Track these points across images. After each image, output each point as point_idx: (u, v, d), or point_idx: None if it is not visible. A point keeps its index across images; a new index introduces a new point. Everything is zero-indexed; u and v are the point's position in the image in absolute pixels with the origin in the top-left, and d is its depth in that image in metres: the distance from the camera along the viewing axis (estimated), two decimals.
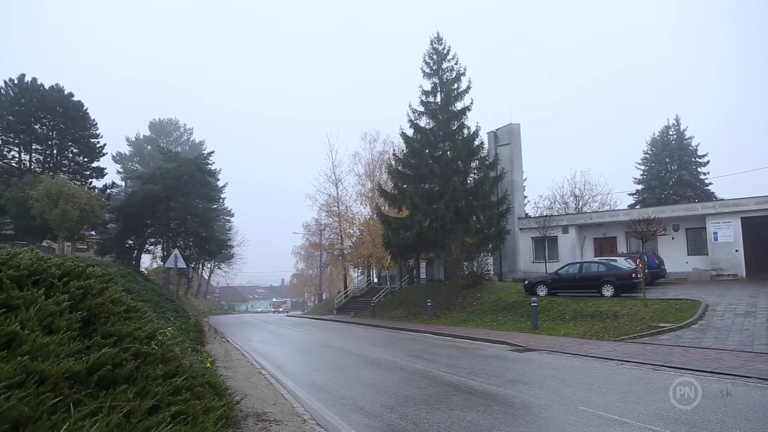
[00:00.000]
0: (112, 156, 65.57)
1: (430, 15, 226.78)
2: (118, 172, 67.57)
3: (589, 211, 39.95)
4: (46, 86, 35.73)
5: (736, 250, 25.13)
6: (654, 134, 55.28)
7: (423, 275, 39.14)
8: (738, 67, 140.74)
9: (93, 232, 39.30)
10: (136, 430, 3.40)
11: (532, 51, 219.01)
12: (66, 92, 36.30)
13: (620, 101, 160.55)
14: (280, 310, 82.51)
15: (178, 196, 38.62)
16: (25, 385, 3.10)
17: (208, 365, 8.74)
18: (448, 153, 31.09)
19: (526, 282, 23.65)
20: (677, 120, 54.24)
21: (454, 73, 31.86)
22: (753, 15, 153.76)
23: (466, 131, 31.32)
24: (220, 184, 55.65)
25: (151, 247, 43.46)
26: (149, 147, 69.77)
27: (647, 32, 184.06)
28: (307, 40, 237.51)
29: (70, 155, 37.49)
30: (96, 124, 38.31)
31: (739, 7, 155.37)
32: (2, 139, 34.58)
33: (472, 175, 31.55)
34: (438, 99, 31.96)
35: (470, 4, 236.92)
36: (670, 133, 54.25)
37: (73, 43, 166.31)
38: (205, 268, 67.68)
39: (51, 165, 35.72)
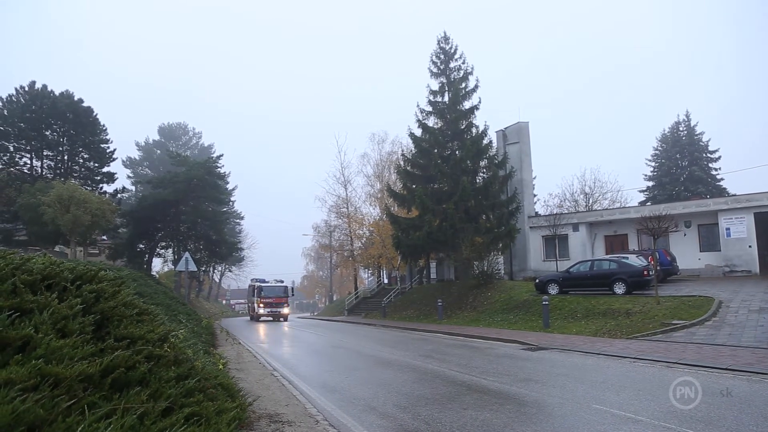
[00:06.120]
0: (123, 161, 66.14)
1: (434, 17, 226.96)
2: (129, 176, 68.04)
3: (599, 208, 39.66)
4: (57, 93, 36.08)
5: (749, 246, 24.84)
6: (664, 130, 54.81)
7: (433, 275, 39.05)
8: (749, 60, 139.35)
9: (104, 237, 39.60)
10: (150, 431, 3.41)
11: (537, 49, 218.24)
12: (76, 98, 36.62)
13: (629, 98, 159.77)
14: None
15: (188, 200, 38.85)
16: (40, 388, 3.13)
17: (221, 367, 8.76)
18: (457, 152, 31.04)
19: (537, 281, 23.54)
20: (687, 115, 53.79)
21: (462, 72, 31.82)
22: (762, 7, 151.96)
23: (474, 130, 31.26)
24: (230, 187, 55.84)
25: (162, 250, 43.70)
26: (159, 151, 70.19)
27: (656, 27, 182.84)
28: (316, 46, 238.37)
29: (81, 161, 37.80)
30: (106, 129, 38.61)
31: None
32: (14, 146, 34.95)
33: (481, 174, 31.47)
34: (446, 98, 31.90)
35: (473, 5, 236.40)
36: (681, 128, 53.75)
37: (84, 50, 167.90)
38: (215, 270, 67.97)
39: (62, 171, 36.04)
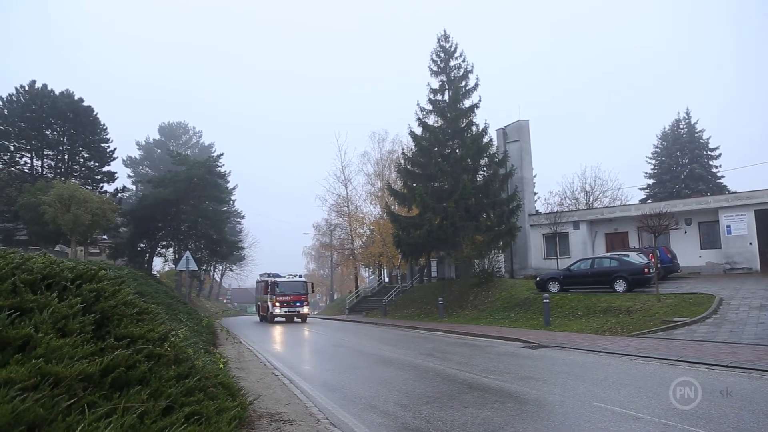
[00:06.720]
0: (123, 160, 66.04)
1: (434, 17, 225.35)
2: (129, 176, 67.96)
3: (599, 206, 39.66)
4: (57, 92, 36.05)
5: (750, 243, 24.83)
6: (665, 128, 54.79)
7: (434, 274, 39.06)
8: (749, 60, 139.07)
9: (105, 236, 39.63)
10: (151, 430, 3.41)
11: (537, 49, 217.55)
12: (76, 98, 36.60)
13: (629, 97, 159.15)
14: None
15: (189, 199, 38.86)
16: (40, 387, 3.12)
17: (221, 366, 8.77)
18: (457, 151, 31.02)
19: (538, 278, 23.52)
20: (688, 113, 53.72)
21: (462, 70, 31.79)
22: (762, 7, 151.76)
23: (474, 129, 31.25)
24: (230, 186, 55.83)
25: (163, 250, 43.75)
26: (159, 150, 70.15)
27: (656, 27, 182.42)
28: (315, 46, 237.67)
29: (81, 160, 37.79)
30: (106, 128, 38.59)
31: None
32: (14, 146, 34.94)
33: (482, 172, 31.46)
34: (446, 97, 31.87)
35: (473, 5, 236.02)
36: (681, 126, 53.71)
37: (84, 50, 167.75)
38: (216, 270, 68.03)
39: (62, 170, 36.04)
